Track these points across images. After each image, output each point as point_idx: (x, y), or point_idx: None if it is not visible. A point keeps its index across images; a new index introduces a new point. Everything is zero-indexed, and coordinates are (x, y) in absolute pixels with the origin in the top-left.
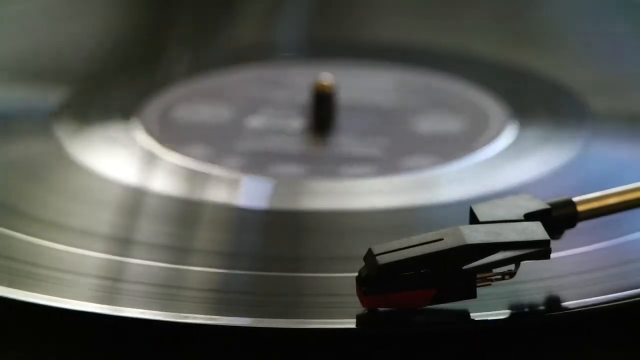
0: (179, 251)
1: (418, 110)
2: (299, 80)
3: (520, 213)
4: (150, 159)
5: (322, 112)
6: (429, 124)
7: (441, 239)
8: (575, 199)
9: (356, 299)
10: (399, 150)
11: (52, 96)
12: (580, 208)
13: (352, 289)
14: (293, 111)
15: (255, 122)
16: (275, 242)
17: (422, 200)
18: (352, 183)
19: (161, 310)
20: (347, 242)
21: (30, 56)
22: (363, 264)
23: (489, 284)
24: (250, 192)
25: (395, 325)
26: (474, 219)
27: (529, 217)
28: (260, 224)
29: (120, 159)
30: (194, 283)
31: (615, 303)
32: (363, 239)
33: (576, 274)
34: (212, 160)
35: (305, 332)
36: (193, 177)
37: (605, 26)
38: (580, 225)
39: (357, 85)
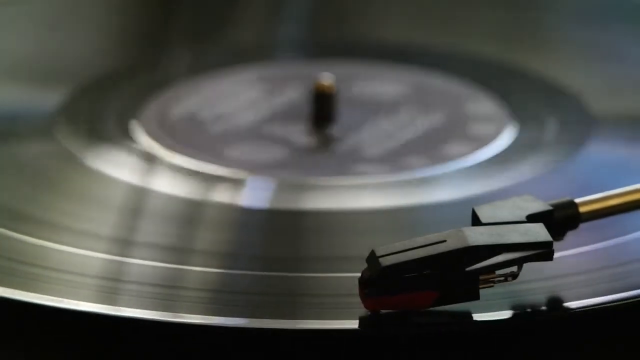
0: (179, 251)
1: (417, 110)
2: (299, 80)
3: (522, 214)
4: (151, 159)
5: (322, 112)
6: (428, 123)
7: (444, 241)
8: (577, 200)
9: (358, 299)
10: (399, 150)
11: (53, 97)
12: (582, 209)
13: (354, 289)
14: (293, 111)
15: (254, 122)
16: (277, 242)
17: (422, 200)
18: (352, 183)
19: (162, 310)
20: (348, 242)
21: (31, 57)
22: (365, 264)
23: (492, 286)
24: (250, 192)
25: (398, 327)
26: (476, 221)
27: (531, 218)
28: (261, 224)
29: (121, 160)
30: (195, 283)
31: (618, 303)
32: (363, 239)
33: (578, 274)
34: (212, 160)
35: (307, 333)
36: (193, 177)
37: (605, 27)
38: (582, 225)
39: (357, 85)
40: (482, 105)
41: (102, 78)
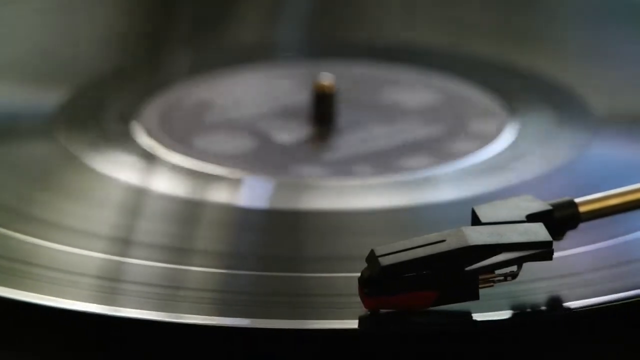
0: (179, 251)
1: (417, 110)
2: (299, 80)
3: (522, 214)
4: (151, 159)
5: (322, 112)
6: (428, 123)
7: (444, 240)
8: (577, 200)
9: (358, 299)
10: (399, 150)
11: (53, 97)
12: (582, 209)
13: (354, 289)
14: (293, 111)
15: (255, 122)
16: (276, 242)
17: (422, 200)
18: (352, 183)
19: (161, 310)
20: (348, 242)
21: (31, 57)
22: (364, 264)
23: (492, 285)
24: (250, 192)
25: (398, 326)
26: (476, 220)
27: (531, 218)
28: (261, 224)
29: (121, 160)
30: (194, 283)
31: (617, 303)
32: (363, 239)
33: (578, 274)
34: (211, 160)
35: (307, 332)
36: (193, 177)
37: (605, 26)
38: (582, 224)
39: (357, 85)
40: (482, 105)
41: (102, 78)
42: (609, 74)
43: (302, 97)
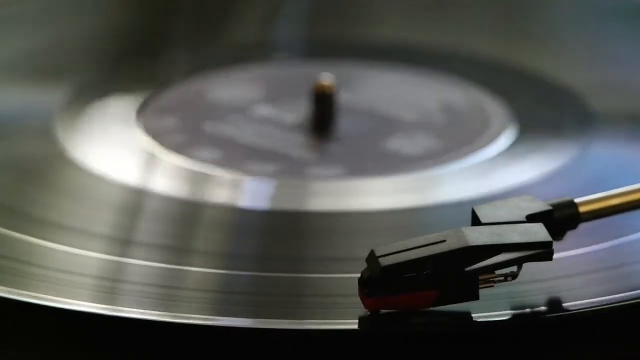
0: (179, 252)
1: (417, 110)
2: (299, 80)
3: (522, 214)
4: (150, 159)
5: (322, 112)
6: (428, 123)
7: (444, 241)
8: (577, 200)
9: (358, 300)
10: (399, 151)
11: (52, 96)
12: (582, 209)
13: (354, 289)
14: (292, 111)
15: (254, 121)
16: (276, 242)
17: (422, 201)
18: (353, 183)
19: (161, 310)
20: (348, 242)
21: (30, 56)
22: (364, 264)
23: (492, 286)
24: (250, 193)
25: (398, 327)
26: (476, 220)
27: (531, 218)
28: (261, 225)
29: (120, 159)
30: (194, 283)
31: (617, 304)
32: (363, 240)
33: (578, 274)
34: (212, 160)
35: (306, 333)
36: (193, 177)
37: (605, 26)
38: (581, 225)
39: (356, 85)
40: (482, 105)
41: (102, 78)
42: (609, 74)
43: (301, 97)
